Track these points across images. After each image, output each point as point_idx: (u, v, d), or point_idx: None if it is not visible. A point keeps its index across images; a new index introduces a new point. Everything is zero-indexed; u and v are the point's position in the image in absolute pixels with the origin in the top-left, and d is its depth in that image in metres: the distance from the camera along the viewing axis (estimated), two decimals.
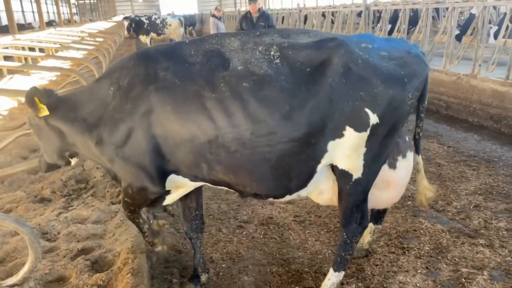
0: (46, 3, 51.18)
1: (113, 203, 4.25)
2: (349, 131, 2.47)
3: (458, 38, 9.23)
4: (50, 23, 27.83)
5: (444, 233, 3.69)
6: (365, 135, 2.48)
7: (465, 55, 8.00)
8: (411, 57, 2.54)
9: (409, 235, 3.71)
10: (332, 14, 12.80)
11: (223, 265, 3.46)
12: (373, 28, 11.70)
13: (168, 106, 2.54)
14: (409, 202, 4.29)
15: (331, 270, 2.93)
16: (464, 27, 10.33)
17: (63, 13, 39.97)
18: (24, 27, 23.44)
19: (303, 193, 2.77)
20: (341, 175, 2.63)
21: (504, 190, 4.44)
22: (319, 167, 2.60)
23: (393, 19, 11.60)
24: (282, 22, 15.84)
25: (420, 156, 2.94)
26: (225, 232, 3.93)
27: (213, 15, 13.72)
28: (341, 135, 2.49)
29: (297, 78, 2.47)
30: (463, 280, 3.07)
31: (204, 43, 2.68)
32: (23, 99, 8.82)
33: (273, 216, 4.19)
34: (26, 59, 13.48)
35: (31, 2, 45.79)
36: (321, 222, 4.04)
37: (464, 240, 3.57)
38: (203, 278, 3.21)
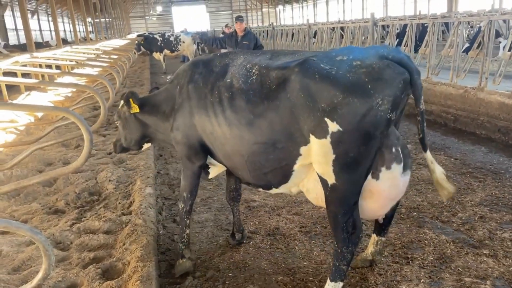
0: (63, 22, 52.59)
1: (124, 214, 4.38)
2: (312, 138, 2.73)
3: (468, 51, 9.27)
4: (65, 41, 28.57)
5: (448, 244, 3.72)
6: (326, 141, 2.66)
7: (474, 68, 8.06)
8: (383, 63, 2.61)
9: (413, 245, 3.75)
10: (342, 29, 12.96)
11: (230, 274, 3.54)
12: (382, 42, 11.83)
13: (193, 101, 3.35)
14: (414, 213, 4.33)
15: (328, 280, 3.00)
16: (473, 41, 10.36)
17: (79, 31, 41.04)
18: (41, 45, 24.12)
19: (293, 189, 3.16)
20: (320, 180, 2.85)
21: (510, 201, 4.46)
22: (296, 167, 2.95)
23: (404, 34, 11.74)
24: (292, 38, 16.06)
25: (428, 152, 2.93)
26: (232, 242, 4.01)
27: (223, 33, 14.11)
28: (307, 142, 2.78)
29: (263, 93, 2.92)
30: None
31: (226, 57, 3.37)
32: (40, 114, 9.12)
33: (279, 227, 4.26)
34: (43, 76, 13.90)
35: (48, 21, 47.18)
36: (326, 232, 4.10)
37: (468, 250, 3.60)
38: (237, 236, 4.00)
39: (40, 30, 46.65)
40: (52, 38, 38.34)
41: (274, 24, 30.46)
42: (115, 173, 5.55)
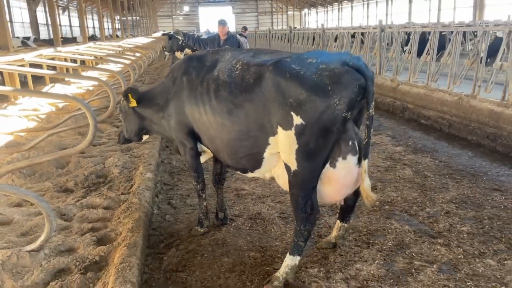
0: (92, 19, 54.20)
1: (123, 194, 4.88)
2: (280, 130, 3.13)
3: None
4: (93, 38, 29.64)
5: (409, 233, 4.07)
6: (291, 133, 3.06)
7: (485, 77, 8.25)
8: (343, 68, 2.98)
9: (377, 233, 4.11)
10: (362, 34, 13.22)
11: (209, 249, 3.98)
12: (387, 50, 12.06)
13: (186, 91, 3.80)
14: (387, 207, 4.69)
15: (287, 254, 3.39)
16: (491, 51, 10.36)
17: (107, 28, 42.30)
18: (69, 41, 25.17)
19: (266, 174, 3.57)
20: (285, 166, 3.24)
21: (478, 200, 4.76)
22: (265, 155, 3.37)
23: (425, 42, 11.91)
24: (308, 41, 16.42)
25: (366, 161, 3.17)
26: (216, 222, 4.45)
27: (240, 34, 14.72)
28: (276, 133, 3.18)
29: (242, 86, 3.32)
30: (413, 270, 3.46)
31: (216, 53, 3.81)
32: (61, 104, 9.77)
33: (261, 212, 4.68)
34: (67, 69, 14.69)
35: (78, 18, 48.81)
36: None
37: (425, 239, 3.95)
38: (220, 215, 4.48)
39: (70, 26, 48.23)
40: (81, 34, 39.65)
41: (295, 27, 30.83)
42: (121, 160, 6.08)
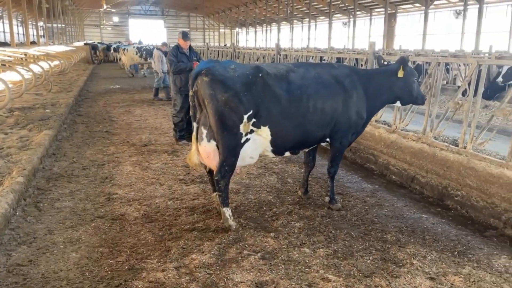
0: (17, 26, 51.39)
1: None
2: None
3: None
4: (5, 44, 28.23)
5: (250, 229, 4.60)
6: None
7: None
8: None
9: (224, 229, 4.58)
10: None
11: (61, 246, 4.20)
12: None
13: None
14: (242, 207, 5.20)
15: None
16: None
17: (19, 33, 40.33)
18: None
19: None
20: None
21: (320, 202, 5.44)
22: None
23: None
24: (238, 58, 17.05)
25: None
26: (79, 224, 4.69)
27: (158, 48, 15.16)
28: None
29: None
30: (240, 258, 3.96)
31: None
32: None
33: (125, 214, 4.99)
34: None
35: (3, 23, 46.06)
36: (162, 219, 4.86)
37: (261, 233, 4.49)
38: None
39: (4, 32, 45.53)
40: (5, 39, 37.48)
41: (226, 44, 31.50)
42: None
